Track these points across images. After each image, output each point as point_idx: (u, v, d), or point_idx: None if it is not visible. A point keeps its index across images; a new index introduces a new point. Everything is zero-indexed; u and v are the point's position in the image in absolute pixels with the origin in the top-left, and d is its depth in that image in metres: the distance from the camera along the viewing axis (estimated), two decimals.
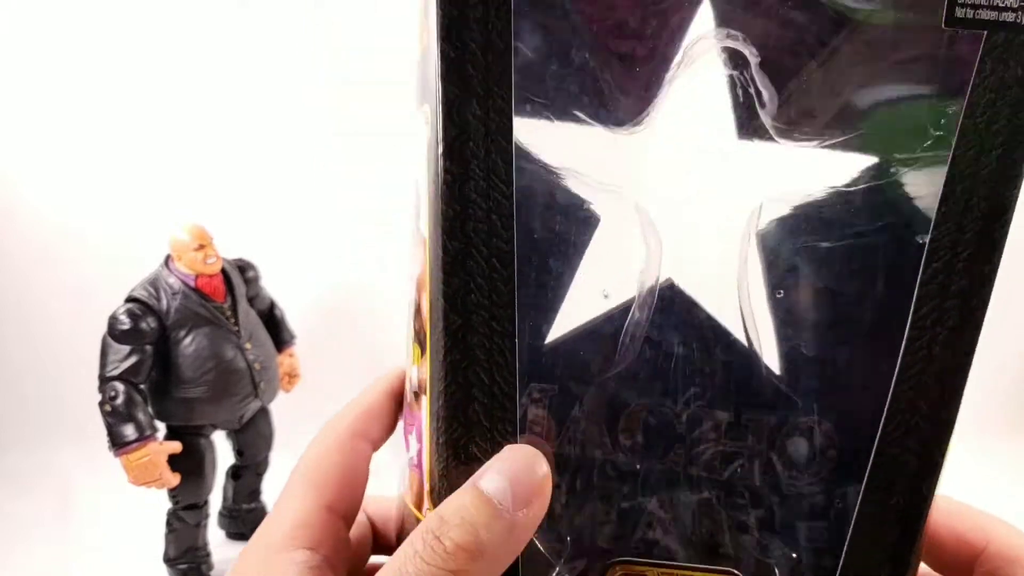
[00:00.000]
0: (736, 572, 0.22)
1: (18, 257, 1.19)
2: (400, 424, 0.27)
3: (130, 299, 0.81)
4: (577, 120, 0.21)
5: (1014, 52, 0.20)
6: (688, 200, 0.22)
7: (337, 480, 0.25)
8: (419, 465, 0.24)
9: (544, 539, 0.22)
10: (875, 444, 0.22)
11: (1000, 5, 0.19)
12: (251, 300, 0.92)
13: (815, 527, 0.23)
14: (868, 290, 0.22)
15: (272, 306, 0.97)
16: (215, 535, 0.91)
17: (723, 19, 0.21)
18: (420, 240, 0.23)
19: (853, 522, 0.22)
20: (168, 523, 0.85)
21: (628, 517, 0.23)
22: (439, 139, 0.21)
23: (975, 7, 0.20)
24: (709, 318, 0.23)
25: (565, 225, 0.22)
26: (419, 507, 0.24)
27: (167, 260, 0.84)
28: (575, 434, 0.23)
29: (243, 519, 0.95)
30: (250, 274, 0.92)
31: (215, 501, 0.90)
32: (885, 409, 0.22)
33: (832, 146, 0.22)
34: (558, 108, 0.21)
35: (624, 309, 0.22)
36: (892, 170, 0.21)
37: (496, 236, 0.21)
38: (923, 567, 0.25)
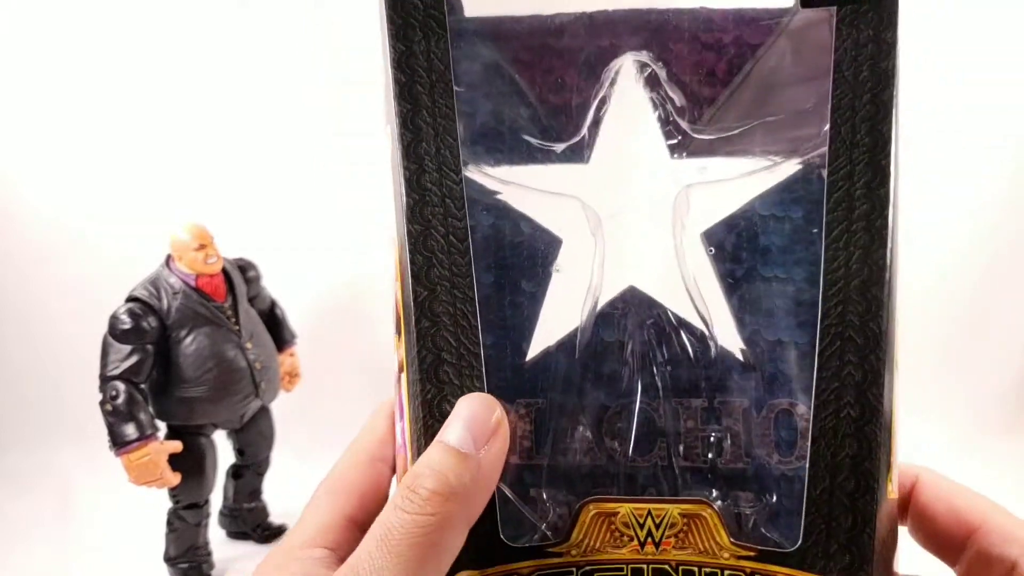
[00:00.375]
0: (708, 502, 0.24)
1: (19, 257, 1.20)
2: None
3: (131, 299, 0.81)
4: (529, 161, 0.26)
5: (860, 18, 0.25)
6: (637, 213, 0.26)
7: (359, 495, 0.27)
8: (403, 445, 0.26)
9: (526, 509, 0.25)
10: (815, 362, 0.24)
11: None
12: (252, 300, 0.92)
13: (783, 467, 0.25)
14: (801, 267, 0.25)
15: (273, 306, 0.97)
16: (216, 534, 0.91)
17: (639, 48, 0.26)
18: (391, 241, 0.27)
19: (811, 439, 0.23)
20: (169, 522, 0.85)
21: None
22: (398, 143, 0.26)
23: None
24: (672, 315, 0.26)
25: (531, 250, 0.26)
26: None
27: (168, 260, 0.84)
28: (563, 443, 0.25)
29: (244, 518, 0.95)
30: (251, 274, 0.92)
31: (216, 500, 0.90)
32: (818, 329, 0.24)
33: (746, 152, 0.26)
34: (512, 153, 0.26)
35: (593, 319, 0.26)
36: (799, 160, 0.25)
37: (451, 216, 0.25)
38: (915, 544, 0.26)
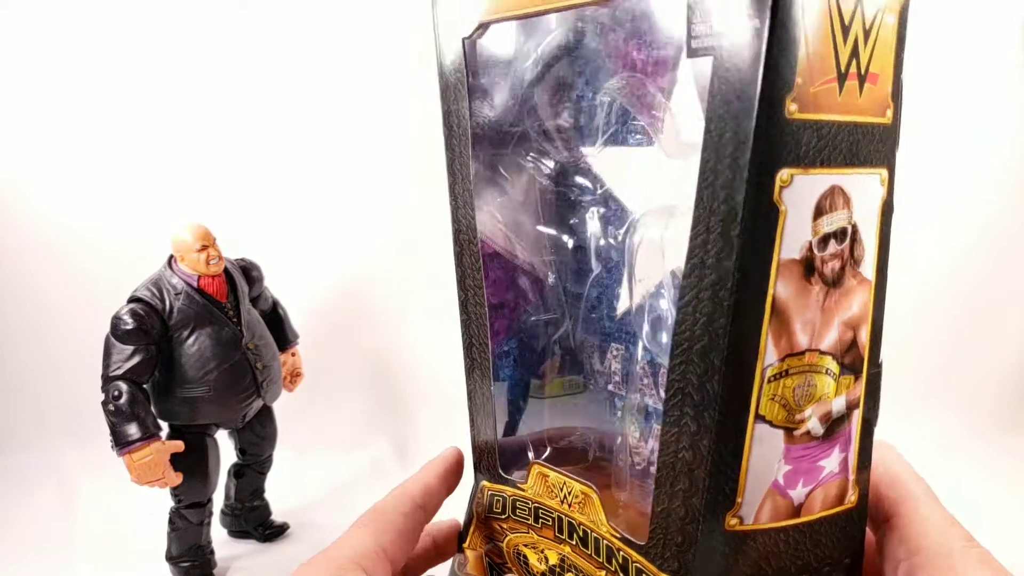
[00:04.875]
0: (594, 488, 0.32)
1: (21, 257, 1.20)
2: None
3: (133, 299, 0.82)
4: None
5: (731, 71, 0.22)
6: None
7: (396, 533, 0.31)
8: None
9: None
10: (663, 405, 0.27)
11: (719, 31, 0.22)
12: (254, 300, 0.92)
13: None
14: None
15: (275, 306, 0.97)
16: (218, 533, 0.92)
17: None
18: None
19: (656, 467, 0.27)
20: (171, 521, 0.86)
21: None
22: (448, 183, 0.35)
23: (703, 37, 0.23)
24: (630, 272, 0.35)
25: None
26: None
27: (170, 260, 0.84)
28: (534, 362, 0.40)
29: (246, 517, 0.96)
30: (254, 274, 0.92)
31: (218, 499, 0.91)
32: (665, 380, 0.26)
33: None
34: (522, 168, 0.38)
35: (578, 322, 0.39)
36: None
37: (471, 242, 0.35)
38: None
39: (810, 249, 0.24)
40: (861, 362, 0.27)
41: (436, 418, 1.17)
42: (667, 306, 0.33)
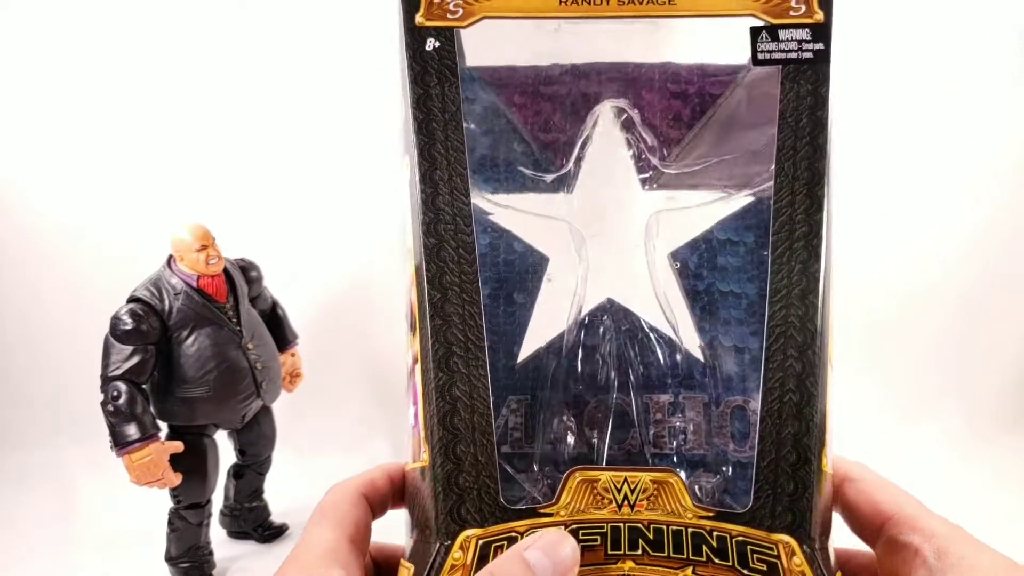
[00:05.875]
0: (675, 471, 0.28)
1: (20, 257, 1.20)
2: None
3: (132, 299, 0.81)
4: (523, 189, 0.32)
5: (801, 75, 0.30)
6: (614, 235, 0.32)
7: (352, 522, 0.29)
8: (416, 424, 0.30)
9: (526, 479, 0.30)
10: (763, 354, 0.28)
11: (785, 49, 0.30)
12: (254, 300, 0.92)
13: (738, 455, 0.30)
14: (752, 284, 0.30)
15: (275, 306, 0.97)
16: (217, 534, 0.92)
17: (617, 96, 0.32)
18: (407, 251, 0.31)
19: (759, 419, 0.28)
20: (170, 522, 0.85)
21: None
22: (416, 169, 0.30)
23: (769, 52, 0.30)
24: (644, 323, 0.31)
25: (523, 266, 0.31)
26: (416, 459, 0.30)
27: (169, 260, 0.84)
28: (548, 434, 0.30)
29: (245, 518, 0.95)
30: (253, 274, 0.92)
31: (217, 500, 0.90)
32: (765, 328, 0.28)
33: (706, 185, 0.32)
34: (508, 183, 0.32)
35: (577, 325, 0.31)
36: (750, 192, 0.31)
37: (460, 232, 0.30)
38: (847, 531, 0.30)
39: None
40: None
41: None
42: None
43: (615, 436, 0.30)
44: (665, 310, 0.31)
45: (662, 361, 0.31)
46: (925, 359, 1.19)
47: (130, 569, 0.89)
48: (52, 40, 1.16)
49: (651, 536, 0.27)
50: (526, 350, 0.31)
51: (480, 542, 0.27)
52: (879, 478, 0.30)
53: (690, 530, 0.27)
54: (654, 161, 0.32)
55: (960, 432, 1.15)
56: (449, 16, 0.31)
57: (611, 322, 0.31)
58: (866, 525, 0.29)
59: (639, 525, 0.27)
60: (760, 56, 0.31)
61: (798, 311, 0.28)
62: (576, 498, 0.28)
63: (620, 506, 0.28)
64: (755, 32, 0.31)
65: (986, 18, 1.15)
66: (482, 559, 0.27)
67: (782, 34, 0.30)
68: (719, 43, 0.32)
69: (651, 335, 0.31)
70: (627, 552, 0.27)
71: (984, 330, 1.21)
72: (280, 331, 0.96)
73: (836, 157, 0.30)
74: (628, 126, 0.32)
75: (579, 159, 0.32)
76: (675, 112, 0.32)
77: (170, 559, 0.86)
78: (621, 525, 0.27)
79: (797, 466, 0.27)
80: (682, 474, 0.28)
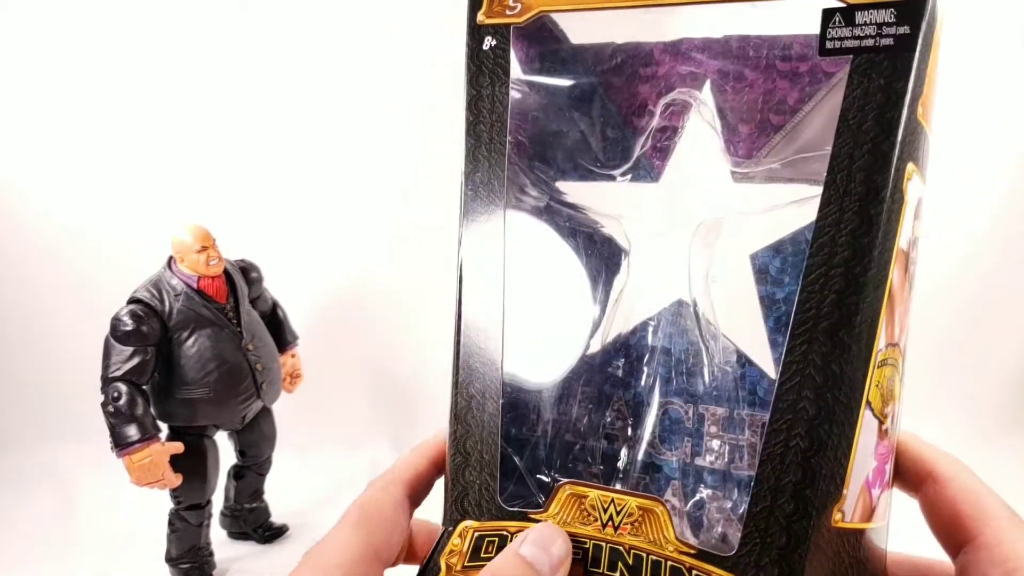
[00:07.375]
0: (661, 500, 0.27)
1: (21, 258, 1.20)
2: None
3: (133, 300, 0.81)
4: (591, 178, 0.31)
5: (874, 67, 0.25)
6: (691, 231, 0.29)
7: (386, 531, 0.28)
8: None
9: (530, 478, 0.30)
10: (775, 391, 0.25)
11: (860, 35, 0.25)
12: (254, 301, 0.92)
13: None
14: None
15: (275, 307, 0.97)
16: (217, 535, 0.92)
17: (715, 91, 0.30)
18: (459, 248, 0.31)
19: (758, 461, 0.25)
20: (170, 523, 0.85)
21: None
22: (462, 170, 0.30)
23: (840, 39, 0.25)
24: (706, 326, 0.29)
25: (599, 260, 0.31)
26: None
27: (169, 261, 0.84)
28: (577, 433, 0.31)
29: (245, 519, 0.95)
30: (253, 275, 0.92)
31: (217, 501, 0.90)
32: (781, 362, 0.25)
33: (791, 180, 0.28)
34: (582, 173, 0.31)
35: (644, 325, 0.30)
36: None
37: (492, 238, 0.30)
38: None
39: (909, 246, 0.25)
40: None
41: (436, 419, 1.16)
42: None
43: (667, 442, 0.30)
44: (737, 318, 0.29)
45: (726, 372, 0.29)
46: (925, 359, 1.19)
47: (130, 569, 0.89)
48: (53, 40, 1.16)
49: (631, 561, 0.26)
50: (595, 344, 0.31)
51: (476, 534, 0.28)
52: (971, 482, 0.27)
53: (670, 563, 0.26)
54: (742, 153, 0.29)
55: (960, 432, 1.15)
56: (508, 12, 0.30)
57: (671, 327, 0.30)
58: (946, 539, 0.26)
59: (620, 548, 0.27)
60: (828, 45, 0.26)
61: (822, 348, 0.24)
62: (564, 510, 0.28)
63: (604, 526, 0.27)
64: (827, 15, 0.26)
65: (986, 18, 1.15)
66: (475, 550, 0.28)
67: (859, 16, 0.25)
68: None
69: (715, 343, 0.29)
70: (606, 572, 0.27)
71: (984, 330, 1.21)
72: (280, 332, 0.96)
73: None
74: (723, 112, 0.30)
75: (661, 150, 0.30)
76: (780, 96, 0.29)
77: (170, 560, 0.86)
78: (603, 544, 0.27)
79: (793, 518, 0.24)
80: (672, 502, 0.28)
